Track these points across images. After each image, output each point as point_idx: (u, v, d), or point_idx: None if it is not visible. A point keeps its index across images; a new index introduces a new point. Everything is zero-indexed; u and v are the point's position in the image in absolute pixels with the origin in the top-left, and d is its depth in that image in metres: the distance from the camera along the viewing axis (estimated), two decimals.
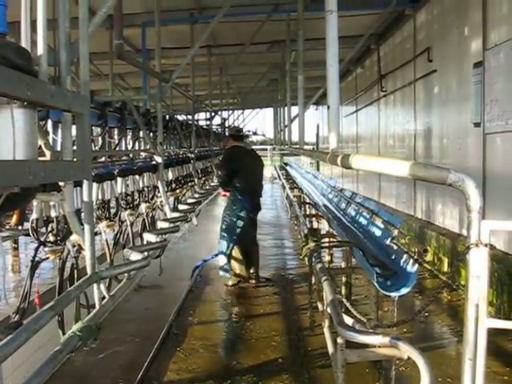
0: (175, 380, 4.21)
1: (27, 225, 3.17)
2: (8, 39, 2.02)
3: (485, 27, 5.72)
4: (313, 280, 4.64)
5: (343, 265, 5.30)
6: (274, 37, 9.86)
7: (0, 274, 2.81)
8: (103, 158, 5.01)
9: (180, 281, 7.11)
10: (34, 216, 3.15)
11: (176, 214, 5.50)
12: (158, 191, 5.75)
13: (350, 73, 13.95)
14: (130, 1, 6.49)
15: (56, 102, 2.11)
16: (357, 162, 2.61)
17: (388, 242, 3.84)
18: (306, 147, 8.45)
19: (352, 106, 13.82)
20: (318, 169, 22.15)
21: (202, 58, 10.71)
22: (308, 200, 8.75)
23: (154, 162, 5.85)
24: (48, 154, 2.54)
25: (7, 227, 3.19)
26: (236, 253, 6.87)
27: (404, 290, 3.15)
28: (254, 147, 9.49)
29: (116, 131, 5.27)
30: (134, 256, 3.25)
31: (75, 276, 3.45)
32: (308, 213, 8.14)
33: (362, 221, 5.06)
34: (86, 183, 2.59)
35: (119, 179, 4.81)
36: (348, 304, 3.80)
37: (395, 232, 3.81)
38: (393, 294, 3.29)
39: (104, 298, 2.81)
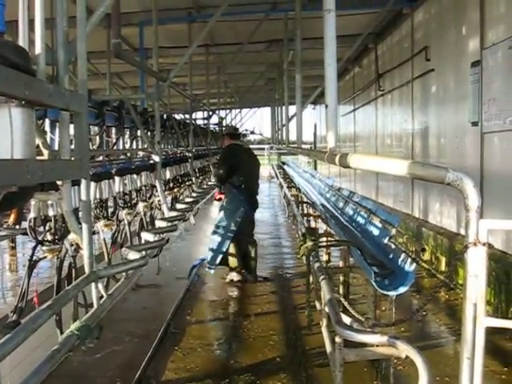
0: (173, 379, 4.21)
1: (25, 224, 3.16)
2: (6, 38, 2.02)
3: (482, 26, 5.72)
4: (311, 279, 4.64)
5: (341, 264, 5.30)
6: (272, 36, 9.87)
7: None
8: (101, 157, 5.00)
9: (178, 280, 7.12)
10: (31, 215, 3.14)
11: (174, 213, 5.50)
12: (156, 190, 5.74)
13: (348, 72, 13.95)
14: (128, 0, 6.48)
15: (54, 100, 2.11)
16: (355, 161, 2.62)
17: (386, 241, 3.84)
18: (303, 146, 8.46)
19: (350, 105, 13.83)
20: (315, 168, 22.16)
21: (200, 57, 10.70)
22: (305, 199, 8.75)
23: (151, 161, 5.84)
24: (46, 153, 2.54)
25: (5, 226, 3.18)
26: (232, 249, 6.89)
27: (402, 289, 3.15)
28: (251, 146, 9.51)
29: (114, 130, 5.26)
30: (132, 255, 3.25)
31: (73, 275, 3.44)
32: (306, 212, 8.15)
33: (360, 220, 5.07)
34: (83, 182, 2.59)
35: (117, 178, 4.79)
36: (346, 303, 3.80)
37: (393, 231, 3.82)
38: (391, 293, 3.29)
39: (102, 297, 2.81)
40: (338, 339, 2.78)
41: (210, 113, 13.48)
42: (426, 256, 7.27)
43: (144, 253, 3.64)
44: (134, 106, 5.98)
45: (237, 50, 9.93)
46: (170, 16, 8.07)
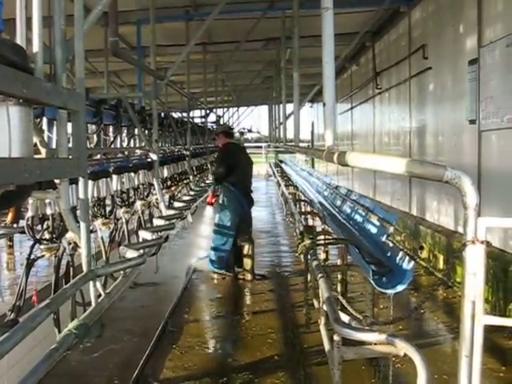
0: (171, 377, 4.21)
1: (23, 222, 3.16)
2: (3, 36, 2.01)
3: (480, 24, 5.73)
4: (308, 277, 4.65)
5: (339, 262, 5.30)
6: (269, 34, 9.86)
7: None
8: (98, 156, 4.99)
9: (175, 278, 7.11)
10: (29, 214, 3.14)
11: (171, 212, 5.50)
12: (154, 188, 5.74)
13: (345, 70, 13.94)
14: None
15: (51, 99, 2.11)
16: (353, 159, 2.61)
17: (384, 239, 3.85)
18: (301, 145, 8.46)
19: (347, 103, 13.82)
20: (312, 166, 22.17)
21: (197, 56, 10.68)
22: (303, 197, 8.75)
23: (149, 160, 5.84)
24: (43, 151, 2.54)
25: (2, 225, 3.18)
26: (246, 250, 7.03)
27: (400, 287, 3.16)
28: (249, 145, 9.53)
29: (111, 128, 5.26)
30: (130, 253, 3.25)
31: (71, 274, 3.44)
32: (303, 210, 8.15)
33: (358, 218, 5.07)
34: (81, 181, 2.58)
35: (114, 177, 4.79)
36: (344, 301, 3.80)
37: (391, 229, 3.83)
38: (389, 291, 3.30)
39: (100, 295, 2.81)
40: (336, 337, 2.78)
41: (208, 111, 13.46)
42: (424, 254, 7.27)
43: (142, 251, 3.63)
44: (132, 104, 5.97)
45: (234, 48, 9.91)
46: (167, 14, 8.06)
